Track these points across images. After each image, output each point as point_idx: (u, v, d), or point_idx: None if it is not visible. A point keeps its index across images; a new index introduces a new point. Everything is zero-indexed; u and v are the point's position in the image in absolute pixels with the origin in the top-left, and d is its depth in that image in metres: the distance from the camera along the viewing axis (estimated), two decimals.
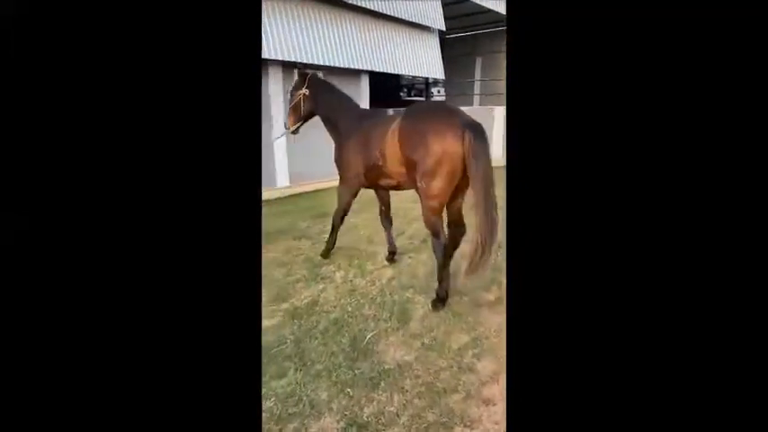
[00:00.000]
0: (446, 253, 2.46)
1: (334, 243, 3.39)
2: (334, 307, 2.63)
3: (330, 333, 2.33)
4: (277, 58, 6.14)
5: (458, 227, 2.59)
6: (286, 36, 6.19)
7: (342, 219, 3.22)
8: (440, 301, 2.54)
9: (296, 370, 2.00)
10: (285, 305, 2.68)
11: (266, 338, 2.28)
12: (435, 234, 2.45)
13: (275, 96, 6.47)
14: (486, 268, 2.19)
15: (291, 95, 3.22)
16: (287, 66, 6.47)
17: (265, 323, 2.47)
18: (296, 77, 3.20)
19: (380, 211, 3.27)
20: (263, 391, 1.87)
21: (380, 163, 2.63)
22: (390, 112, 3.03)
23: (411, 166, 2.38)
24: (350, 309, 2.59)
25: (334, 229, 3.30)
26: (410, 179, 2.47)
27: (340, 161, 3.03)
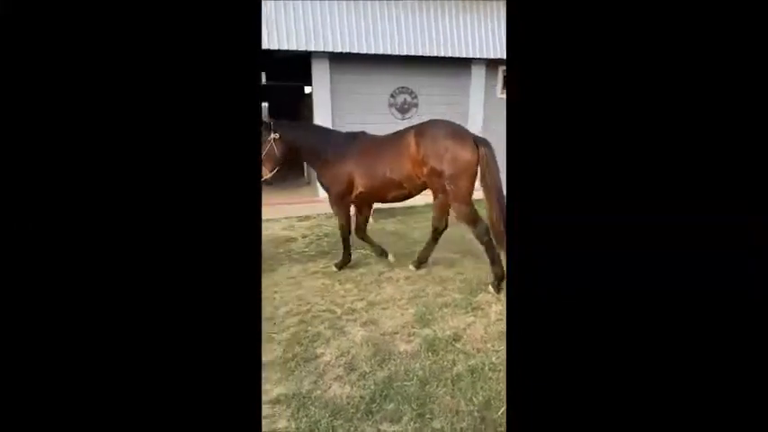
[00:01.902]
0: (488, 232, 2.86)
1: (350, 258, 3.50)
2: (478, 350, 2.28)
3: (463, 384, 2.00)
4: (482, 57, 5.88)
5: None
6: (490, 35, 5.83)
7: (350, 230, 3.42)
8: (498, 280, 2.94)
9: (411, 419, 1.78)
10: (426, 331, 2.48)
11: (395, 366, 2.14)
12: (474, 223, 2.86)
13: (476, 94, 6.24)
14: (503, 245, 2.76)
15: (262, 145, 3.23)
16: (491, 63, 6.13)
17: (400, 347, 2.33)
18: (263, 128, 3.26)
19: (358, 227, 3.51)
20: (372, 431, 1.72)
21: (397, 178, 2.95)
22: (369, 133, 3.29)
23: (436, 174, 2.79)
24: (495, 359, 2.19)
25: (347, 244, 3.45)
26: (434, 185, 2.87)
27: (332, 182, 3.22)
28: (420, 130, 2.89)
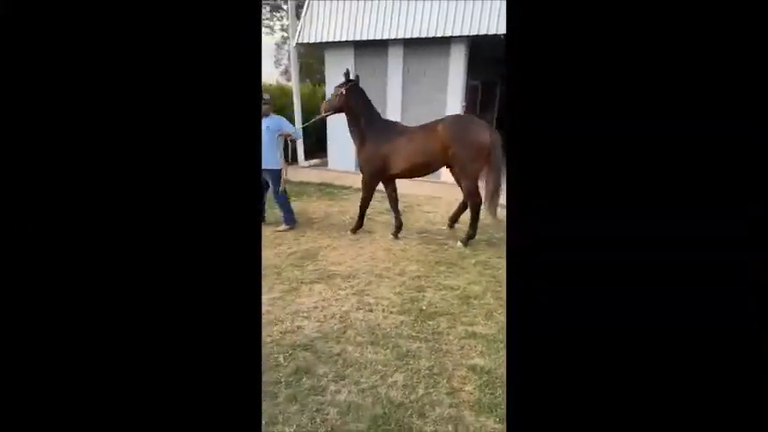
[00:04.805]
0: (479, 209, 3.88)
1: (362, 224, 4.32)
2: None
3: None
4: None
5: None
6: None
7: (368, 205, 4.25)
8: (468, 238, 3.97)
9: None
10: None
11: None
12: (476, 196, 3.79)
13: None
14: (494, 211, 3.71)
15: (334, 90, 4.08)
16: None
17: None
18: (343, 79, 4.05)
19: (391, 198, 4.22)
20: None
21: (427, 160, 3.78)
22: (401, 124, 4.20)
23: (457, 157, 3.68)
24: None
25: (363, 213, 4.25)
26: (456, 164, 3.75)
27: (367, 162, 3.98)
28: (448, 121, 3.76)
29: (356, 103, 3.95)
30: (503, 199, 3.71)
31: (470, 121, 3.80)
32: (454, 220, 4.40)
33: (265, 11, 20.83)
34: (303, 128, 4.31)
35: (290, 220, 4.36)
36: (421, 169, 3.89)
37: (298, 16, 7.41)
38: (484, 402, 1.86)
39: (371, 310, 2.68)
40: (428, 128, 3.83)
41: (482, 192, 3.76)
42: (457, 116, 4.00)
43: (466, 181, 3.76)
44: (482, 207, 3.78)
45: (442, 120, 3.85)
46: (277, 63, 22.59)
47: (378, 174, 3.98)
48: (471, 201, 3.81)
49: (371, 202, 4.29)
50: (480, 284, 3.07)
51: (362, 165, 4.05)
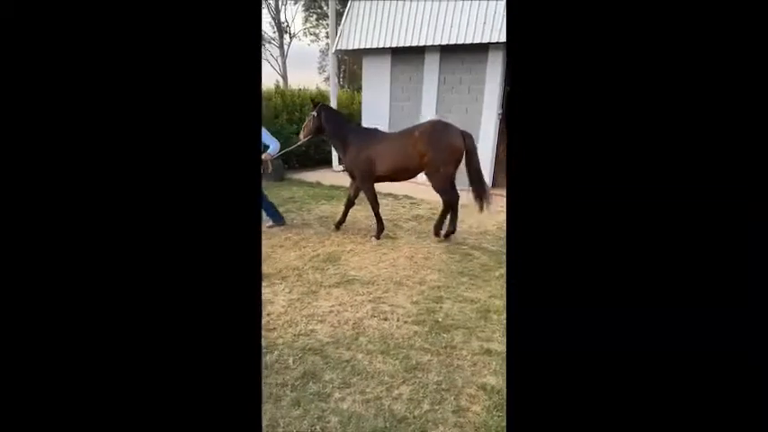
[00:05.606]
0: (455, 205, 4.13)
1: (383, 227, 4.31)
2: None
3: None
4: None
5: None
6: None
7: (378, 203, 4.28)
8: (452, 233, 4.23)
9: None
10: None
11: None
12: (447, 193, 4.02)
13: None
14: (489, 202, 4.03)
15: (307, 117, 4.51)
16: None
17: None
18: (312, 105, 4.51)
19: (350, 197, 4.49)
20: None
21: (407, 164, 4.00)
22: (382, 129, 4.50)
23: (433, 159, 3.87)
24: None
25: (379, 216, 4.27)
26: (430, 168, 3.93)
27: (355, 165, 4.16)
28: (424, 128, 3.97)
29: (331, 119, 4.34)
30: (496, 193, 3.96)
31: (445, 126, 4.00)
32: (438, 227, 4.31)
33: (312, 18, 21.49)
34: (281, 153, 4.45)
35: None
36: (403, 172, 4.12)
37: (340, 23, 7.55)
38: (491, 425, 1.76)
39: (386, 319, 2.65)
40: (406, 133, 4.09)
41: (473, 194, 4.05)
42: (432, 122, 4.12)
43: (435, 181, 3.96)
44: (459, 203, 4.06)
45: (418, 126, 4.10)
46: (321, 69, 23.15)
47: (368, 173, 4.13)
48: (444, 197, 4.01)
49: (398, 209, 4.26)
50: (501, 298, 2.95)
51: (351, 168, 4.25)
